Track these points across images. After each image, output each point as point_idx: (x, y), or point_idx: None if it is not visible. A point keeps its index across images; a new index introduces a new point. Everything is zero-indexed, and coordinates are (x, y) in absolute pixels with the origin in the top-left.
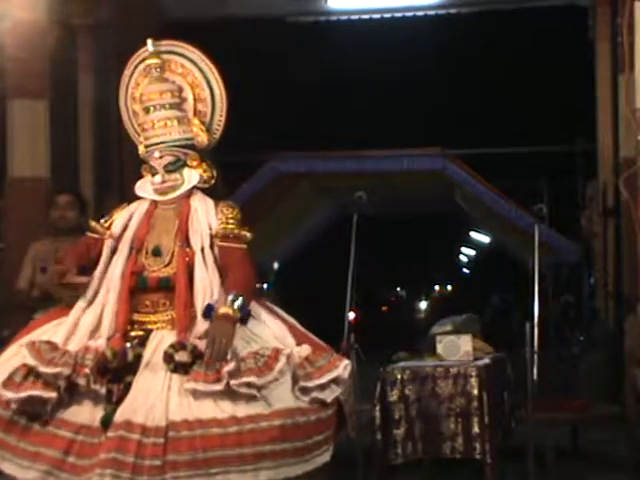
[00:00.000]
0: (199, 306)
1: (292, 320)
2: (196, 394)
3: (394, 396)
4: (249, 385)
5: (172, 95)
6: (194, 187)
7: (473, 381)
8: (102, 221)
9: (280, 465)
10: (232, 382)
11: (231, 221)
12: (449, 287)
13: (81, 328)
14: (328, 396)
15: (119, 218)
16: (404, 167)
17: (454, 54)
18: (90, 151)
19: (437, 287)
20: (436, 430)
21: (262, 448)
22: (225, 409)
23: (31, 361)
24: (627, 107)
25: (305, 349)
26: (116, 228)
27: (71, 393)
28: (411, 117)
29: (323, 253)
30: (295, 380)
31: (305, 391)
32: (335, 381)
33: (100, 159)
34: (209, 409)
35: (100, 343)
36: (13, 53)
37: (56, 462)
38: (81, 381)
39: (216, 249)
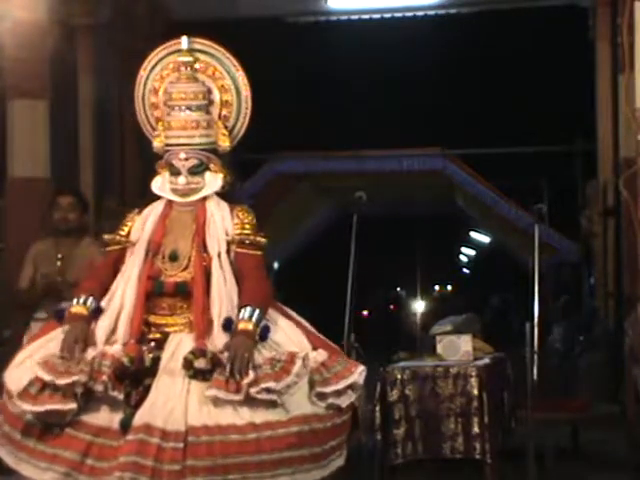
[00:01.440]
0: (216, 311)
1: (305, 323)
2: (216, 401)
3: (394, 396)
4: (268, 390)
5: (203, 97)
6: None
7: (473, 381)
8: (119, 231)
9: (297, 471)
10: (251, 390)
11: (247, 226)
12: (449, 287)
13: (97, 332)
14: (344, 402)
15: (136, 224)
16: (404, 167)
17: (454, 54)
18: (90, 151)
19: (437, 287)
20: (436, 430)
21: (280, 455)
22: (244, 416)
23: (46, 377)
24: (627, 107)
25: (321, 354)
26: (135, 235)
27: (88, 397)
28: (411, 117)
29: (323, 253)
30: (311, 385)
31: (322, 397)
32: (351, 387)
33: (100, 159)
34: (228, 415)
35: (116, 349)
36: (13, 53)
37: (74, 464)
38: (99, 388)
39: (232, 254)
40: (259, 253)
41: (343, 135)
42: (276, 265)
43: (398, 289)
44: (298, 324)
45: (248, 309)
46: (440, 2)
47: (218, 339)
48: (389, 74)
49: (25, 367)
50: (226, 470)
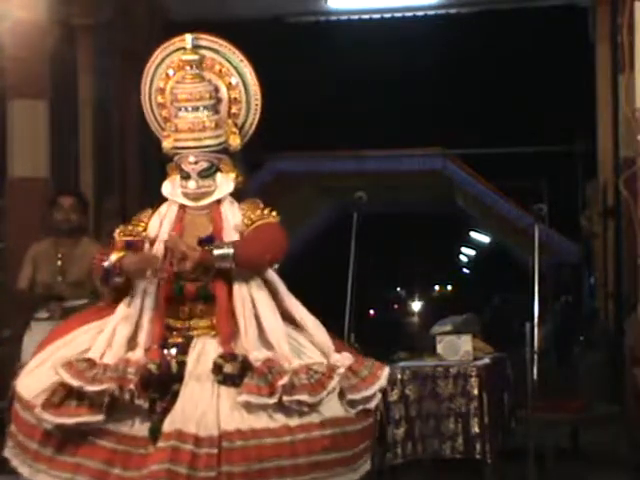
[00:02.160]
0: (240, 316)
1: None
2: (248, 406)
3: (394, 396)
4: (300, 402)
5: (210, 97)
6: None
7: (473, 381)
8: (135, 224)
9: (331, 475)
10: (285, 398)
11: (253, 212)
12: (449, 287)
13: (117, 338)
14: (372, 404)
15: (153, 222)
16: (404, 167)
17: (454, 54)
18: (90, 151)
19: (437, 287)
20: (436, 430)
21: (316, 458)
22: (277, 419)
23: (74, 382)
24: (627, 107)
25: (347, 357)
26: (152, 233)
27: (112, 405)
28: (411, 117)
29: (323, 253)
30: (341, 391)
31: (353, 404)
32: (379, 390)
33: (100, 159)
34: (261, 419)
35: (139, 355)
36: (13, 53)
37: (99, 474)
38: (125, 397)
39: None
40: (267, 221)
41: (343, 135)
42: (276, 265)
43: (398, 289)
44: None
45: (227, 248)
46: (440, 2)
47: (246, 343)
48: (389, 74)
49: (39, 373)
50: (262, 475)
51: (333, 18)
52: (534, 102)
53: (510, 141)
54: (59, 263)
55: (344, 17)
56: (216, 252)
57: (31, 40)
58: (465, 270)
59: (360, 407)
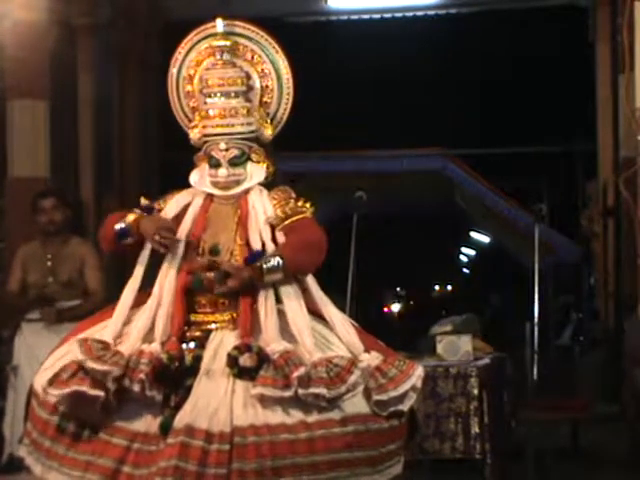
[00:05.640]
0: (262, 309)
1: (354, 322)
2: (263, 399)
3: None
4: (317, 396)
5: (241, 83)
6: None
7: (473, 381)
8: (156, 202)
9: (354, 475)
10: (300, 391)
11: (286, 201)
12: (449, 287)
13: (133, 331)
14: (406, 405)
15: (170, 207)
16: (404, 167)
17: (454, 54)
18: (90, 151)
19: (437, 287)
20: (436, 430)
21: (336, 456)
22: (294, 414)
23: (80, 355)
24: (627, 107)
25: (376, 357)
26: (168, 216)
27: (123, 398)
28: (411, 117)
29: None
30: (367, 392)
31: (382, 406)
32: (411, 389)
33: (100, 159)
34: (277, 414)
35: (155, 347)
36: (13, 53)
37: (109, 472)
38: (136, 387)
39: (280, 237)
40: (305, 215)
41: (343, 135)
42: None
43: (398, 289)
44: (350, 323)
45: (271, 256)
46: (440, 2)
47: (266, 335)
48: (389, 74)
49: (54, 369)
50: (277, 473)
51: (333, 18)
52: (534, 102)
53: (510, 141)
54: (49, 264)
55: (344, 17)
56: (266, 266)
57: (31, 40)
58: (465, 270)
59: (391, 409)
